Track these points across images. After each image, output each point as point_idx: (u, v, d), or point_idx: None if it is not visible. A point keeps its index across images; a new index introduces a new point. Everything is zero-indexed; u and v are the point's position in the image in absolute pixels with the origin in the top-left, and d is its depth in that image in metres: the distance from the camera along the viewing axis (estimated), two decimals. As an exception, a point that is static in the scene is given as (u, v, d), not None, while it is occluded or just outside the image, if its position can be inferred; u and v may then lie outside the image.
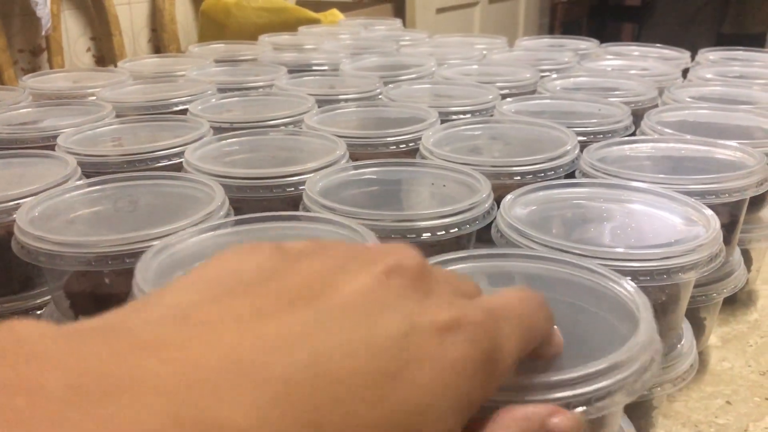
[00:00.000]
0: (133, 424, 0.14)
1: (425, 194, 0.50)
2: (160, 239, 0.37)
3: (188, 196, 0.46)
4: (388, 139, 0.59)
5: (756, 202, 0.61)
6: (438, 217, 0.42)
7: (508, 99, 0.70)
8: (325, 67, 0.90)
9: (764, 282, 0.68)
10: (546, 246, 0.39)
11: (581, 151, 0.55)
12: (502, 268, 0.34)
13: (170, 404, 0.14)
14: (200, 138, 0.57)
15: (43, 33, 1.49)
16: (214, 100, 0.71)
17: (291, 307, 0.18)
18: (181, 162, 0.52)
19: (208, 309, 0.18)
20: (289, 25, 1.29)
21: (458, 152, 0.54)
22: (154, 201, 0.46)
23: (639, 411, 0.47)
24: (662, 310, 0.42)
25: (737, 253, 0.59)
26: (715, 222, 0.42)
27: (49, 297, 0.48)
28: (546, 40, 1.08)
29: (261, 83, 0.80)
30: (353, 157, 0.55)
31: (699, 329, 0.56)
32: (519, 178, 0.51)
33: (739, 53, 0.96)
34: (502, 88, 0.75)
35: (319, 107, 0.67)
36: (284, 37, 1.12)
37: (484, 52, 0.98)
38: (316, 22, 1.35)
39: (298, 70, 0.87)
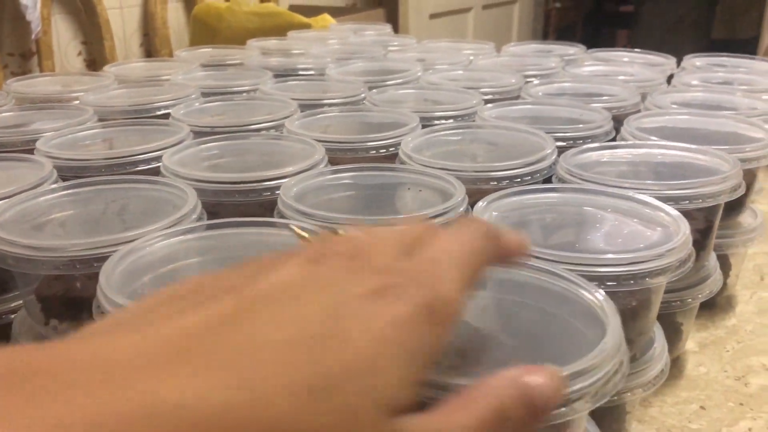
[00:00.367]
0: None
1: (401, 199, 0.50)
2: (129, 243, 0.37)
3: (162, 199, 0.46)
4: (369, 144, 0.59)
5: (734, 208, 0.61)
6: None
7: (489, 105, 0.70)
8: (312, 72, 0.89)
9: (743, 287, 0.69)
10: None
11: (560, 156, 0.55)
12: None
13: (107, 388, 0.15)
14: (180, 142, 0.57)
15: (33, 37, 1.49)
16: (197, 104, 0.71)
17: (215, 300, 0.19)
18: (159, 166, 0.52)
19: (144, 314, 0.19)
20: (281, 30, 1.28)
21: (437, 157, 0.54)
22: (127, 205, 0.46)
23: (611, 416, 0.47)
24: (632, 315, 0.42)
25: (713, 258, 0.59)
26: (686, 227, 0.42)
27: (22, 301, 0.48)
28: (534, 46, 1.08)
29: (246, 87, 0.80)
30: (334, 162, 0.55)
31: (676, 334, 0.56)
32: (495, 183, 0.51)
33: (725, 59, 0.97)
34: (486, 94, 0.75)
35: (302, 112, 0.67)
36: (272, 42, 1.11)
37: (471, 57, 0.98)
38: (307, 27, 1.35)
39: (284, 74, 0.87)
